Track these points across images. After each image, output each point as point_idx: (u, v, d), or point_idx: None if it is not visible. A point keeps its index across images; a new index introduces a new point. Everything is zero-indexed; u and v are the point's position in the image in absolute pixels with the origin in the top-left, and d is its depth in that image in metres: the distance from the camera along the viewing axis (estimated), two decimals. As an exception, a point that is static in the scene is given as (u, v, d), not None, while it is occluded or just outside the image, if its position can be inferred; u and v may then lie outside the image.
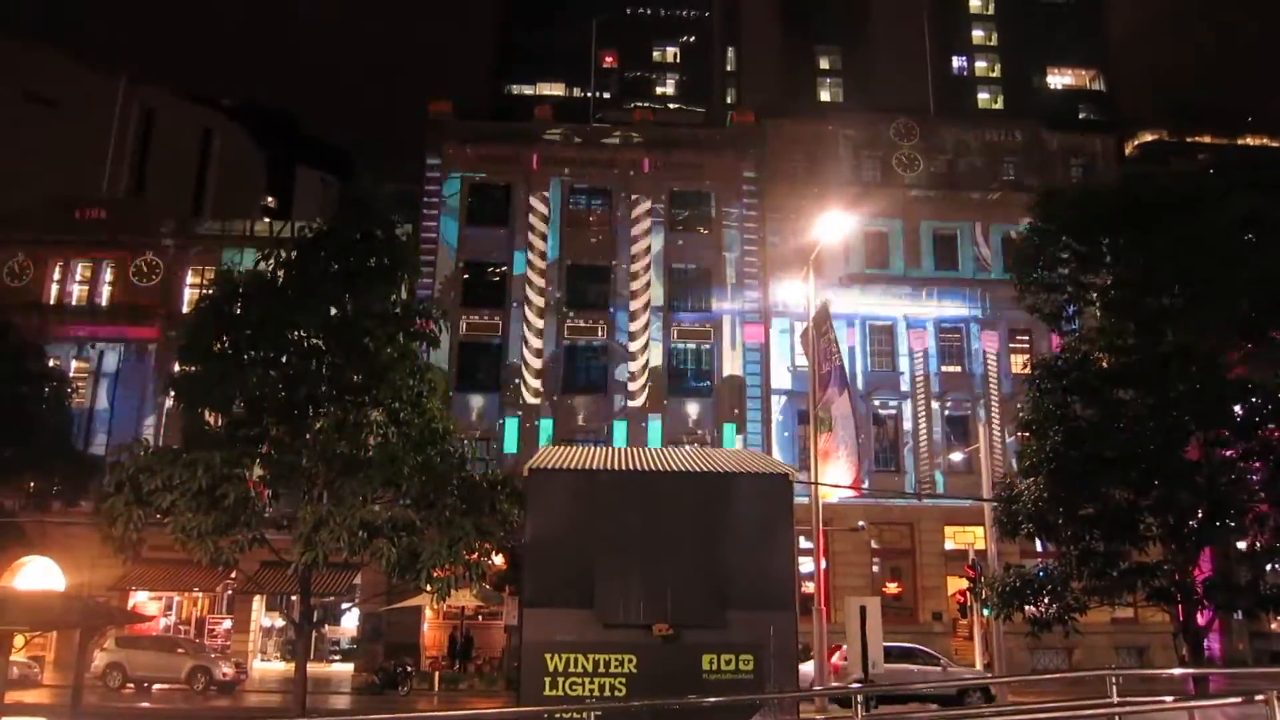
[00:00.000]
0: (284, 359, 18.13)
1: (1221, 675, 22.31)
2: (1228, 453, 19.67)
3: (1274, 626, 36.72)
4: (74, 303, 38.91)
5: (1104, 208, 20.63)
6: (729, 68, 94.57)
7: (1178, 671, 20.36)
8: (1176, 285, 20.21)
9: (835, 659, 25.16)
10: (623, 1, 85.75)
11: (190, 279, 38.64)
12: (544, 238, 38.98)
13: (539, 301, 38.17)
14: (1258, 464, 19.45)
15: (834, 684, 24.04)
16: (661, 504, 13.03)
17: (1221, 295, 19.43)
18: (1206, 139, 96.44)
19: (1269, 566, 20.18)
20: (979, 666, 29.82)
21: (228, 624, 36.12)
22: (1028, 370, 22.08)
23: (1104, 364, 20.03)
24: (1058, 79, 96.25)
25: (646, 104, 72.05)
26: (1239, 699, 8.82)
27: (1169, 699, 11.46)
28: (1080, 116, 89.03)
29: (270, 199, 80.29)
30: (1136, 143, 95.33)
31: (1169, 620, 20.39)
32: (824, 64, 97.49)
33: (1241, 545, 21.65)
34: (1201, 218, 19.91)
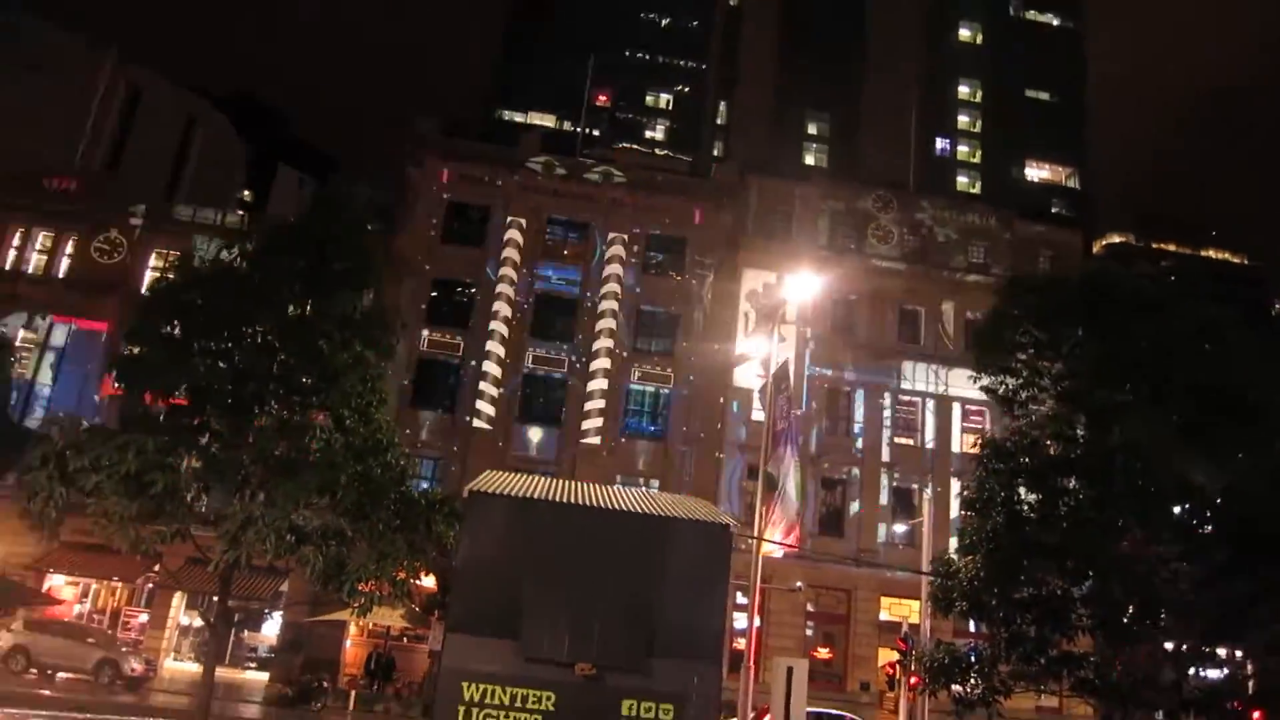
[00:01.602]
0: (235, 353, 17.77)
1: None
2: (1163, 551, 19.90)
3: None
4: (30, 271, 38.04)
5: (1067, 298, 21.01)
6: (719, 120, 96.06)
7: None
8: (1128, 383, 20.56)
9: None
10: (623, 42, 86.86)
11: (153, 262, 37.92)
12: (516, 264, 38.89)
13: (504, 327, 37.97)
14: (1193, 567, 19.69)
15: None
16: (598, 541, 12.83)
17: (1170, 397, 19.78)
18: (1171, 246, 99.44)
19: (1192, 670, 20.38)
20: (901, 741, 29.63)
21: (144, 618, 35.00)
22: (977, 449, 22.27)
23: (1051, 451, 20.27)
24: (1035, 172, 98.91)
25: (634, 146, 72.78)
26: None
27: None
28: (1053, 210, 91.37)
29: (247, 193, 79.50)
30: (1105, 242, 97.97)
31: (1093, 713, 20.46)
32: (812, 129, 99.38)
33: (1168, 645, 21.85)
34: (1159, 321, 20.34)
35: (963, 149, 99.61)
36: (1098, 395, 20.37)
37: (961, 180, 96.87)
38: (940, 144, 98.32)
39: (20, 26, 55.62)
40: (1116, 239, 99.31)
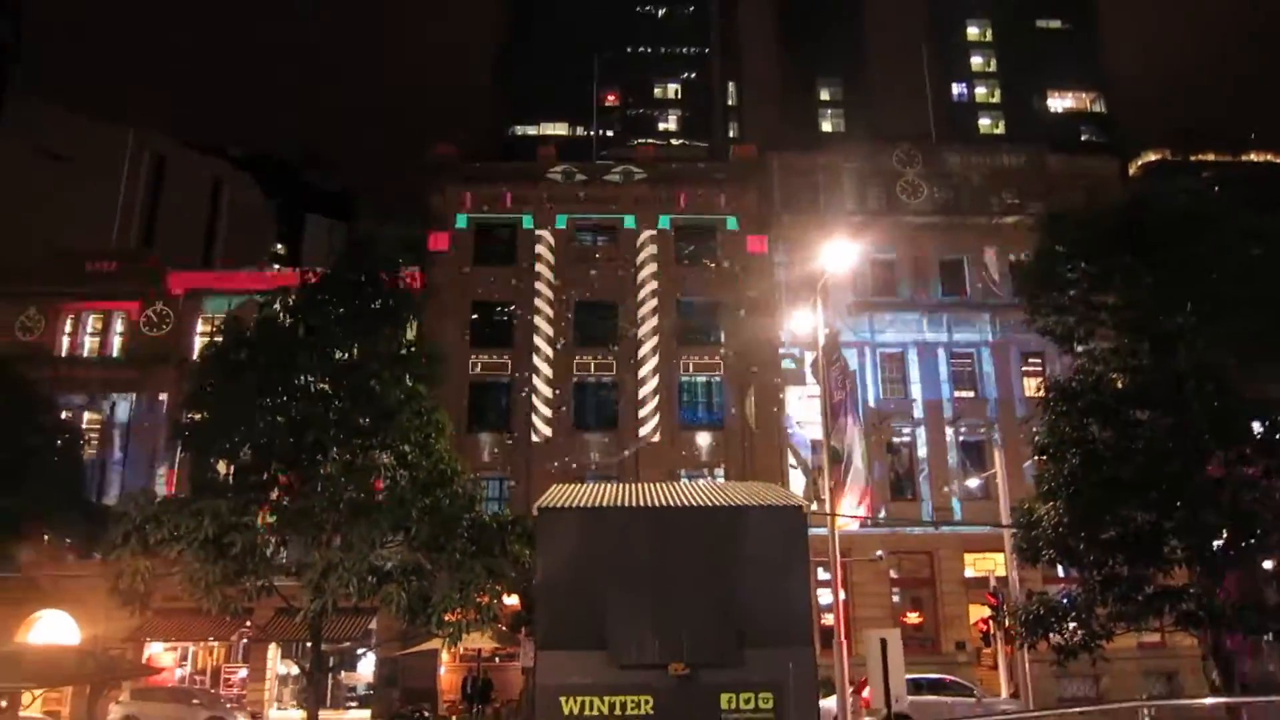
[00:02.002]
0: (291, 404, 18.06)
1: (1257, 703, 21.71)
2: (1250, 471, 19.34)
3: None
4: (85, 354, 39.04)
5: (1111, 228, 20.53)
6: (730, 102, 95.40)
7: (1210, 700, 19.89)
8: (1188, 303, 20.02)
9: (866, 693, 24.67)
10: (624, 40, 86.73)
11: (201, 327, 38.72)
12: (550, 276, 39.05)
13: (547, 339, 38.15)
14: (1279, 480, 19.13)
15: (865, 719, 23.60)
16: (673, 540, 12.81)
17: (1233, 312, 19.22)
18: (1210, 157, 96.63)
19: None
20: (1005, 695, 29.21)
21: (243, 673, 35.76)
22: (1041, 393, 21.83)
23: (1119, 384, 19.83)
24: (1058, 102, 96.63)
25: (649, 140, 72.65)
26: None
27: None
28: (1083, 139, 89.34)
29: (280, 246, 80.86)
30: (1140, 163, 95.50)
31: (1198, 644, 19.97)
32: (825, 95, 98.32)
33: (1268, 565, 21.24)
34: (1207, 236, 19.78)
35: (980, 91, 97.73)
36: (1159, 321, 19.89)
37: (984, 123, 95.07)
38: (957, 90, 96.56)
39: (41, 118, 57.20)
40: (1153, 157, 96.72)
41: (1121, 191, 40.57)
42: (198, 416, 18.19)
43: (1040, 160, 43.52)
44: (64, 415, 35.62)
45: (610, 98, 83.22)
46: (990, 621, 29.48)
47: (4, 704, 15.86)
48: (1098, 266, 20.84)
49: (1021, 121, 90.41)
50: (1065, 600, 20.00)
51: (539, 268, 39.10)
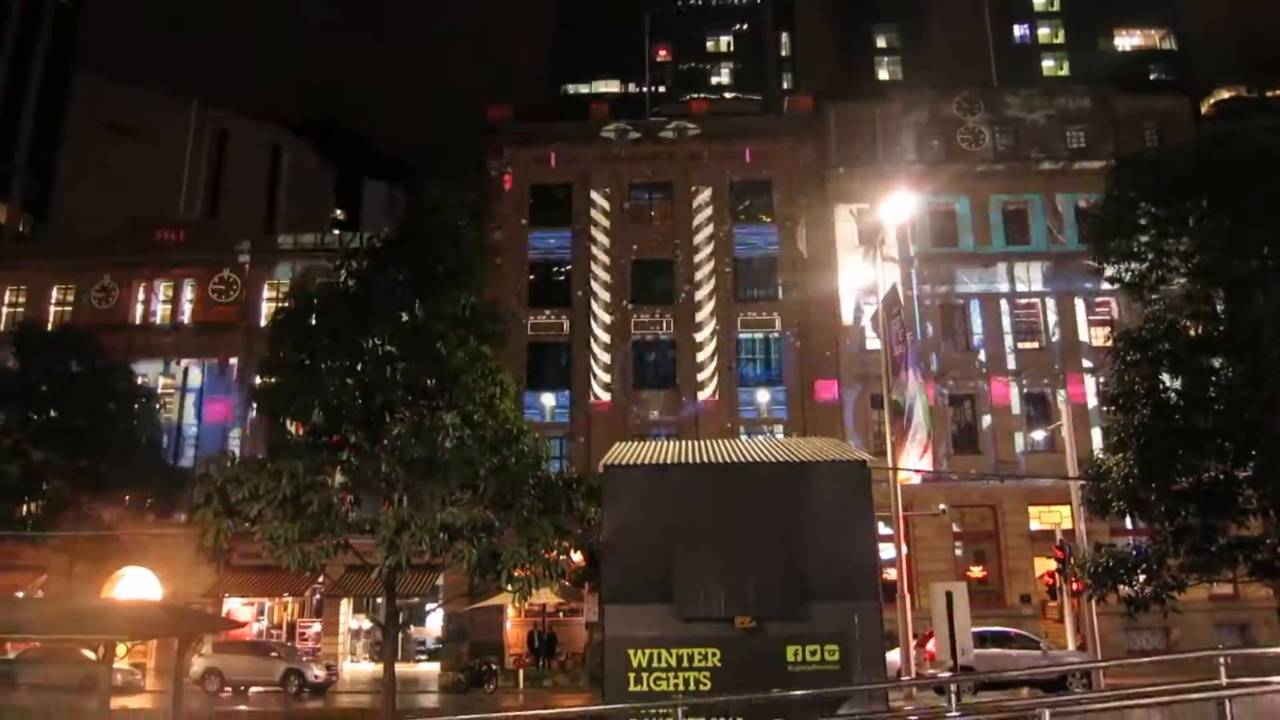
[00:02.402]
0: (359, 367, 18.48)
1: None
2: (1329, 419, 18.76)
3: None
4: (158, 322, 40.27)
5: (1184, 170, 19.85)
6: (784, 53, 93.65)
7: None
8: (1264, 247, 19.34)
9: (930, 646, 24.73)
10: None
11: (267, 293, 39.69)
12: (606, 234, 39.09)
13: (605, 298, 38.31)
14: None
15: (930, 671, 23.67)
16: (737, 495, 12.93)
17: (1315, 254, 18.55)
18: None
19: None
20: (1071, 648, 29.02)
21: (317, 627, 37.07)
22: (1109, 343, 21.37)
23: (1191, 332, 19.30)
24: (1125, 40, 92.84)
25: (702, 95, 71.76)
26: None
27: (1276, 679, 10.94)
28: (1151, 78, 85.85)
29: (339, 212, 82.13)
30: (1213, 101, 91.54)
31: (1272, 595, 19.60)
32: (881, 43, 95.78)
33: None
34: (1290, 175, 19.01)
35: (1043, 31, 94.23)
36: (1234, 265, 19.26)
37: (1047, 64, 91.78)
38: (1019, 31, 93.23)
39: (106, 92, 58.52)
40: (1226, 95, 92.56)
41: (1193, 132, 39.09)
42: (271, 380, 18.72)
43: (1107, 102, 42.07)
44: (140, 381, 36.86)
45: (662, 53, 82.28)
46: (1056, 574, 29.21)
47: (100, 653, 16.69)
48: (1169, 211, 20.20)
49: (1087, 62, 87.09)
50: (1135, 552, 19.72)
51: (594, 227, 39.18)
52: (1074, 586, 26.42)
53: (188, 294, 40.45)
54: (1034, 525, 36.09)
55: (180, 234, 41.37)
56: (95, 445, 32.17)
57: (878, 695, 12.77)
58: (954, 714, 9.98)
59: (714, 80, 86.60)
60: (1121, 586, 19.26)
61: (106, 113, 57.45)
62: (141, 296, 40.47)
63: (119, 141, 55.80)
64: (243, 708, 28.43)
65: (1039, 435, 36.70)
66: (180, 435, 38.28)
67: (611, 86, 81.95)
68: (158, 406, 37.30)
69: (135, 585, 36.45)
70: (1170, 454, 18.03)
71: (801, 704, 11.30)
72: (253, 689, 30.79)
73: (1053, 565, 30.13)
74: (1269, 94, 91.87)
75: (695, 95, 68.00)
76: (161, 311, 40.55)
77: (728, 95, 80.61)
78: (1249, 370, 18.11)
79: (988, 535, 36.70)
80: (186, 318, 40.23)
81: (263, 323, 37.25)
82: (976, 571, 36.11)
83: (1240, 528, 18.71)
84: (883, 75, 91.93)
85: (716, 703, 11.40)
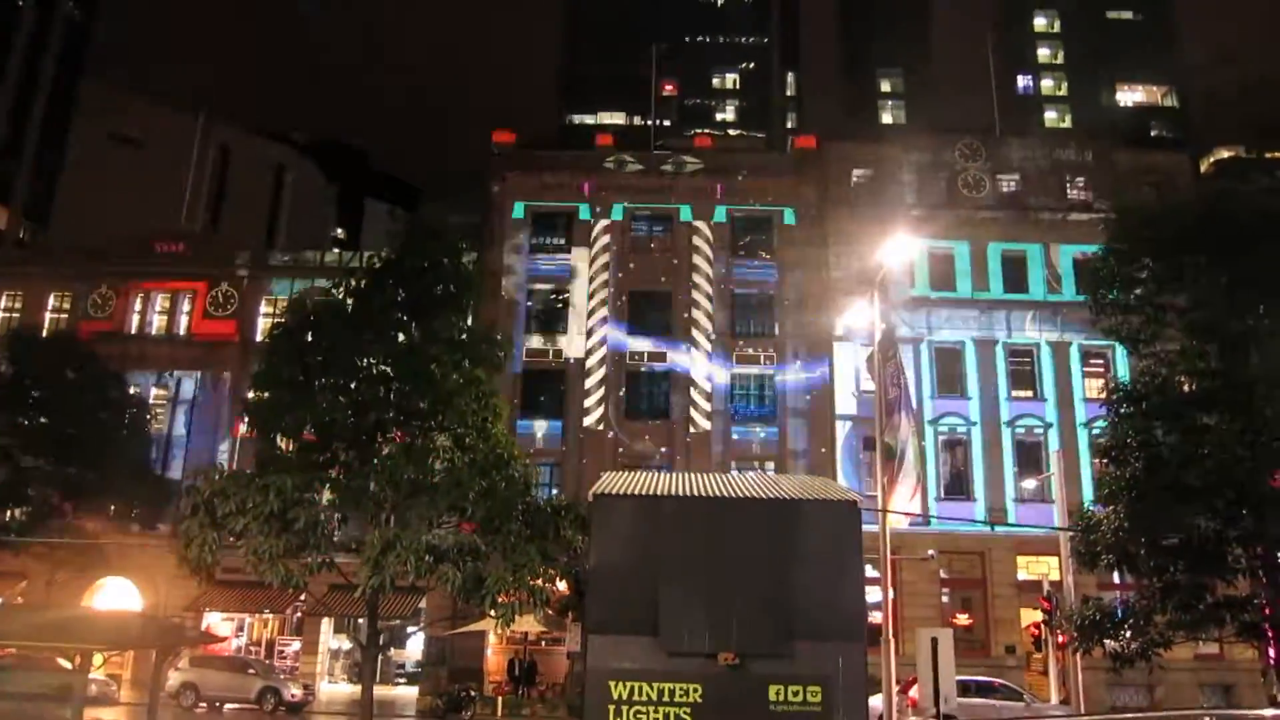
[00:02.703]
0: (353, 386, 18.45)
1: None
2: (1321, 480, 18.78)
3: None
4: (154, 332, 40.19)
5: (1184, 225, 20.02)
6: (789, 92, 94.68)
7: (1269, 713, 19.44)
8: (1260, 305, 19.48)
9: (913, 692, 24.52)
10: (683, 29, 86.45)
11: (264, 308, 39.68)
12: (606, 265, 39.24)
13: (601, 328, 38.36)
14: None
15: (912, 718, 23.45)
16: (727, 531, 12.86)
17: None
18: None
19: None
20: (1055, 701, 28.81)
21: (296, 645, 36.69)
22: (1102, 395, 21.43)
23: (1186, 388, 19.37)
24: (1128, 95, 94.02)
25: (707, 130, 72.39)
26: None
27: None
28: (1152, 134, 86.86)
29: (339, 230, 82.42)
30: (1212, 159, 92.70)
31: (1258, 657, 19.50)
32: (885, 87, 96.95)
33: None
34: (1287, 236, 19.18)
35: (1047, 83, 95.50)
36: (1230, 323, 19.37)
37: (1050, 116, 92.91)
38: (1023, 82, 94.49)
39: (113, 103, 58.88)
40: (1225, 154, 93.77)
41: (1192, 189, 39.51)
42: (264, 395, 18.67)
43: (1108, 155, 42.51)
44: (132, 391, 36.73)
45: (668, 87, 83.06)
46: (1042, 626, 29.06)
47: (76, 663, 16.48)
48: (1167, 265, 20.36)
49: (1089, 115, 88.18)
50: (1122, 607, 19.65)
51: (594, 256, 39.32)
52: (1060, 639, 26.28)
53: (184, 306, 40.42)
54: (1022, 575, 35.96)
55: (180, 246, 41.40)
56: (84, 453, 32.00)
57: (859, 739, 12.63)
58: (936, 761, 9.85)
59: (719, 116, 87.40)
60: (1108, 641, 19.17)
61: (112, 123, 57.81)
62: (138, 307, 40.43)
63: (123, 152, 56.06)
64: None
65: (1030, 484, 36.66)
66: (169, 447, 38.08)
67: (617, 118, 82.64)
68: (149, 417, 37.16)
69: (115, 596, 36.10)
70: (1161, 508, 18.03)
71: (782, 744, 11.18)
72: (228, 705, 30.42)
73: (1039, 616, 29.99)
74: (1268, 155, 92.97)
75: (700, 130, 68.63)
76: (158, 322, 40.48)
77: (732, 132, 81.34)
78: (1242, 428, 18.15)
79: (975, 583, 36.54)
80: (182, 330, 40.16)
81: (259, 338, 37.21)
82: (962, 619, 35.89)
83: (1229, 586, 18.67)
84: (886, 118, 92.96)
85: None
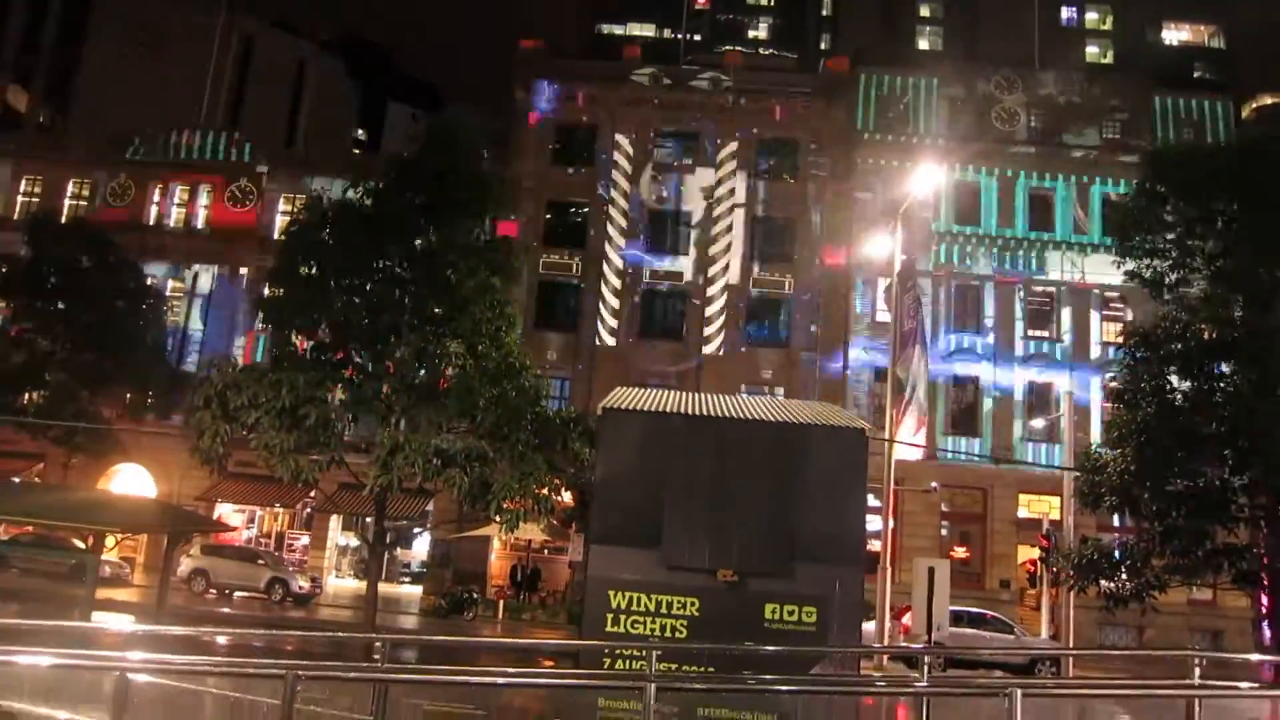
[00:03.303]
0: (369, 287, 18.44)
1: None
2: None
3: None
4: (171, 224, 40.12)
5: (1218, 169, 19.50)
6: (824, 12, 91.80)
7: (1256, 657, 19.69)
8: (1292, 257, 19.11)
9: (905, 619, 24.99)
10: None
11: (282, 205, 39.46)
12: (628, 180, 38.67)
13: (620, 244, 38.04)
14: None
15: (901, 643, 23.93)
16: (733, 451, 12.93)
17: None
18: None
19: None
20: (1044, 637, 29.33)
21: (305, 540, 37.52)
22: (1120, 339, 21.19)
23: (1206, 335, 19.14)
24: (1174, 34, 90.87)
25: (738, 48, 70.50)
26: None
27: (1245, 685, 11.03)
28: (1196, 75, 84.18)
29: (360, 132, 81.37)
30: (1255, 105, 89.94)
31: (1249, 605, 19.71)
32: (925, 11, 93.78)
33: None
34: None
35: (1091, 16, 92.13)
36: (1258, 273, 19.04)
37: (1092, 50, 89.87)
38: (1066, 13, 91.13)
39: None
40: (1269, 101, 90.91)
41: (1232, 134, 38.47)
42: (279, 291, 18.69)
43: (1148, 94, 41.29)
44: (149, 282, 36.85)
45: (700, 0, 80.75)
46: (1039, 563, 29.38)
47: (90, 543, 16.91)
48: (1198, 210, 19.91)
49: (1132, 51, 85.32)
50: (1121, 548, 19.82)
51: (616, 171, 38.73)
52: (1057, 575, 26.60)
53: (203, 199, 40.22)
54: (1022, 513, 36.21)
55: (199, 138, 41.00)
56: (100, 341, 32.28)
57: (850, 661, 12.91)
58: (923, 684, 10.04)
59: (751, 34, 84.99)
60: (1103, 581, 19.38)
61: (132, 14, 56.72)
62: (156, 198, 40.24)
63: (144, 47, 55.12)
64: (226, 610, 28.89)
65: (1039, 424, 36.66)
66: (185, 339, 38.35)
67: (646, 30, 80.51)
68: (165, 309, 37.34)
69: (130, 482, 36.85)
70: (1169, 454, 18.03)
71: (774, 661, 11.40)
72: (237, 593, 31.28)
73: (1036, 554, 30.31)
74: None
75: (731, 47, 66.85)
76: (176, 214, 40.36)
77: (764, 51, 79.26)
78: (1259, 379, 18.00)
79: (975, 518, 36.86)
80: (200, 223, 40.06)
81: (277, 234, 37.08)
82: (960, 552, 36.32)
83: (1229, 534, 18.77)
84: (923, 44, 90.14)
85: (691, 650, 11.51)
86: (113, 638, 11.72)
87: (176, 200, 40.33)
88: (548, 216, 38.80)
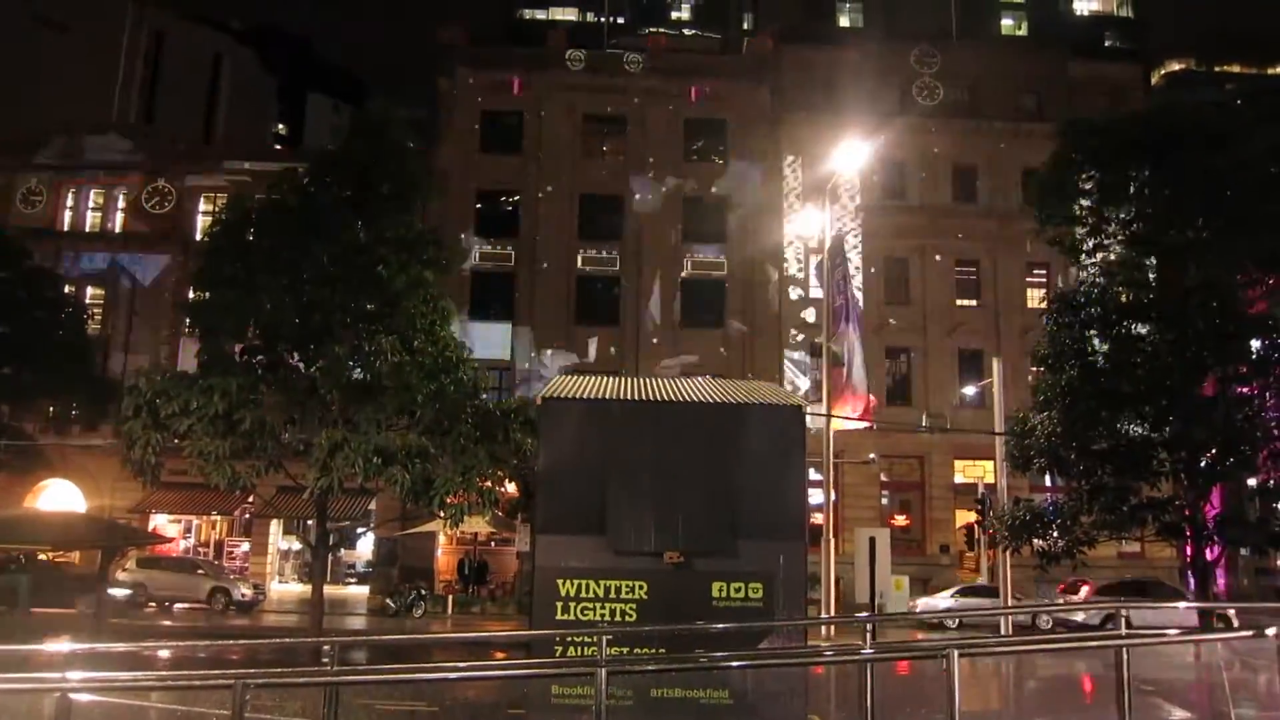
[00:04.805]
0: (298, 286, 18.11)
1: (1229, 610, 22.48)
2: (1244, 390, 19.57)
3: (1280, 562, 36.96)
4: (88, 229, 38.80)
5: (1131, 137, 20.17)
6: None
7: (1183, 605, 20.60)
8: (1201, 218, 19.86)
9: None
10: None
11: (203, 205, 38.42)
12: (556, 166, 38.49)
13: (552, 231, 37.87)
14: (1273, 401, 19.37)
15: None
16: (674, 433, 13.01)
17: (1246, 229, 19.08)
18: (1236, 68, 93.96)
19: (1278, 504, 20.26)
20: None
21: (246, 547, 36.85)
22: (1044, 305, 21.86)
23: (1123, 298, 19.84)
24: (1084, 4, 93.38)
25: (662, 30, 70.48)
26: (1247, 634, 8.85)
27: (1174, 632, 11.53)
28: (1106, 44, 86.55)
29: (281, 126, 79.39)
30: (1164, 72, 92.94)
31: (1175, 556, 20.56)
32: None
33: (1253, 482, 21.69)
34: (1230, 150, 19.46)
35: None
36: (1169, 235, 19.76)
37: (1006, 23, 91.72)
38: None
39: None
40: (1177, 67, 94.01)
41: (1143, 101, 39.74)
42: (206, 295, 18.25)
43: (1061, 65, 42.46)
44: (67, 290, 35.61)
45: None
46: (975, 526, 30.23)
47: (23, 562, 16.42)
48: (1112, 176, 20.57)
49: (1045, 22, 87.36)
50: (1051, 508, 20.49)
51: (545, 157, 38.53)
52: (993, 537, 27.38)
53: (120, 202, 38.98)
54: (958, 479, 37.22)
55: (112, 139, 39.66)
56: (20, 353, 31.13)
57: (797, 633, 13.15)
58: (867, 651, 10.31)
59: (674, 15, 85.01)
60: (1036, 540, 20.03)
61: (37, 5, 54.42)
62: (71, 202, 38.89)
63: (49, 37, 52.93)
64: (167, 623, 28.26)
65: (970, 391, 37.61)
66: (109, 347, 37.20)
67: (569, 14, 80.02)
68: (86, 317, 36.15)
69: (58, 498, 35.71)
70: (1093, 414, 18.65)
71: (723, 638, 11.57)
72: (178, 605, 30.62)
73: (972, 518, 31.17)
74: (1217, 68, 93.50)
75: (654, 29, 66.83)
76: (92, 219, 39.06)
77: (687, 31, 79.32)
78: (1174, 338, 18.72)
79: (914, 486, 37.76)
80: (118, 226, 38.82)
81: (198, 235, 36.14)
82: (901, 520, 37.20)
83: (1152, 489, 19.52)
84: (844, 21, 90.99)
85: (641, 632, 11.62)
86: (51, 657, 11.43)
87: (92, 205, 39.04)
88: (478, 206, 38.47)
